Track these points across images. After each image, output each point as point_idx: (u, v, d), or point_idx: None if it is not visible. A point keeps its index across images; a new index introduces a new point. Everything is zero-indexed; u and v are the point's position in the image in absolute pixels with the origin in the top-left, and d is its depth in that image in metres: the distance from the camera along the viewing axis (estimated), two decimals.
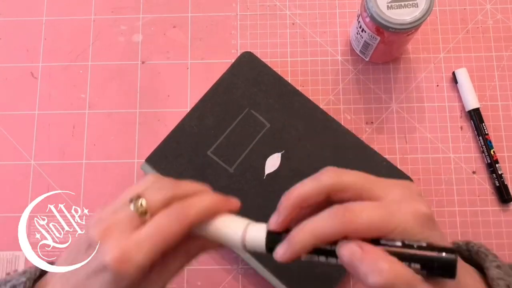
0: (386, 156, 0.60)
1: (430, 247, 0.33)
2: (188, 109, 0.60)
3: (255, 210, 0.57)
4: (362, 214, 0.34)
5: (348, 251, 0.33)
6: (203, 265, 0.58)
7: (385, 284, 0.32)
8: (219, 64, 0.64)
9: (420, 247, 0.33)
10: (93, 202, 0.60)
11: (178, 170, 0.58)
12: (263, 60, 0.61)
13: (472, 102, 0.61)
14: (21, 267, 0.58)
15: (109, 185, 0.61)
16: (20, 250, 0.59)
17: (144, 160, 0.59)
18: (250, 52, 0.61)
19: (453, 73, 0.62)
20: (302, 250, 0.35)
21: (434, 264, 0.33)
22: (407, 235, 0.34)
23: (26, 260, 0.58)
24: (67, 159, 0.61)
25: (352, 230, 0.34)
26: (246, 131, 0.59)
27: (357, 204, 0.35)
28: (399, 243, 0.34)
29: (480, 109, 0.61)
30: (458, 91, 0.62)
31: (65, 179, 0.61)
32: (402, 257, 0.33)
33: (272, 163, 0.58)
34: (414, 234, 0.34)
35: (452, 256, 0.33)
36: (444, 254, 0.33)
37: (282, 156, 0.58)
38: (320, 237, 0.34)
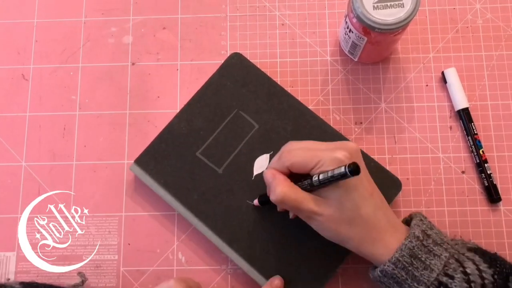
0: (375, 156, 0.60)
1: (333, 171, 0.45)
2: (178, 110, 0.61)
3: (243, 211, 0.57)
4: (292, 157, 0.49)
5: (266, 175, 0.51)
6: (192, 265, 0.59)
7: (276, 200, 0.48)
8: (209, 65, 0.64)
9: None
10: (83, 203, 0.60)
11: (167, 171, 0.59)
12: (253, 61, 0.62)
13: (461, 102, 0.61)
14: (12, 268, 0.59)
15: (99, 187, 0.61)
16: (11, 251, 0.59)
17: (133, 161, 0.59)
18: (239, 53, 0.61)
19: (442, 73, 0.62)
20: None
21: (329, 176, 0.45)
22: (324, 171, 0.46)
23: (17, 260, 0.59)
24: (58, 160, 0.62)
25: (287, 167, 0.49)
26: (234, 132, 0.59)
27: (292, 150, 0.50)
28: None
29: (469, 108, 0.61)
30: (447, 91, 0.62)
31: (56, 180, 0.61)
32: (310, 184, 0.48)
33: (261, 164, 0.58)
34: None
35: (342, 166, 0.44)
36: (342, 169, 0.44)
37: (270, 157, 0.59)
38: (276, 171, 0.50)
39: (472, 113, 0.61)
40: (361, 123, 0.62)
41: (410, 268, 0.46)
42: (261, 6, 0.66)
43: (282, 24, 0.65)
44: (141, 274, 0.59)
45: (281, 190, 0.48)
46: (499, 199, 0.59)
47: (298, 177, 0.50)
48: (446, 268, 0.46)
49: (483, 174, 0.59)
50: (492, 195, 0.59)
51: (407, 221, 0.53)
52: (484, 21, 0.64)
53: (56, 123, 0.63)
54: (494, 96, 0.62)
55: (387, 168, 0.59)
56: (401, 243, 0.47)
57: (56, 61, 0.65)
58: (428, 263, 0.46)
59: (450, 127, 0.61)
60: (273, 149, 0.59)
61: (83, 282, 0.54)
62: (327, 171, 0.46)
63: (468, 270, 0.46)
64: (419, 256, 0.46)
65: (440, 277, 0.46)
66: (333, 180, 0.45)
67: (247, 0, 0.66)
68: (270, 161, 0.58)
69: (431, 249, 0.47)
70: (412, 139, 0.61)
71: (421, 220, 0.50)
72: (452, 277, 0.46)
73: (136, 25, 0.66)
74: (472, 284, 0.45)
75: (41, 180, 0.61)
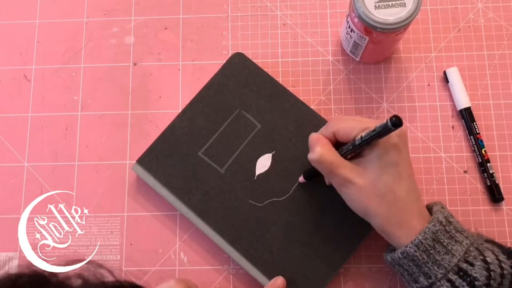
0: None
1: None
2: (180, 110, 0.61)
3: (245, 211, 0.57)
4: (340, 123, 0.50)
5: (311, 137, 0.51)
6: (194, 265, 0.59)
7: (313, 159, 0.49)
8: (211, 65, 0.64)
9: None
10: (85, 203, 0.60)
11: (169, 171, 0.59)
12: (254, 61, 0.62)
13: (463, 101, 0.61)
14: (14, 268, 0.59)
15: (101, 187, 0.61)
16: (14, 251, 0.59)
17: (135, 161, 0.60)
18: (241, 53, 0.62)
19: (444, 72, 0.62)
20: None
21: (372, 132, 0.45)
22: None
23: (20, 261, 0.59)
24: (60, 161, 0.62)
25: (333, 132, 0.50)
26: (237, 132, 0.59)
27: (341, 118, 0.51)
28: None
29: (472, 108, 0.61)
30: (449, 90, 0.62)
31: (58, 181, 0.61)
32: (352, 145, 0.48)
33: (263, 163, 0.58)
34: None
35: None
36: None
37: (272, 156, 0.59)
38: (321, 135, 0.51)
39: (474, 112, 0.61)
40: None
41: (432, 252, 0.46)
42: (263, 6, 0.66)
43: (284, 24, 0.65)
44: (143, 274, 0.59)
45: (319, 150, 0.48)
46: (501, 199, 0.59)
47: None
48: (467, 255, 0.46)
49: (485, 174, 0.59)
50: (494, 194, 0.59)
51: (427, 210, 0.52)
52: (486, 20, 0.64)
53: (58, 123, 0.63)
54: (496, 95, 0.62)
55: None
56: (424, 227, 0.47)
57: (58, 62, 0.65)
58: (450, 248, 0.46)
59: (452, 127, 0.61)
60: (275, 148, 0.59)
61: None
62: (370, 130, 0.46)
63: (488, 259, 0.46)
64: (442, 240, 0.46)
65: (460, 263, 0.46)
66: (376, 135, 0.45)
67: (248, 0, 0.66)
68: (271, 161, 0.58)
69: (453, 235, 0.47)
70: (414, 139, 0.61)
71: (442, 207, 0.50)
72: (472, 264, 0.46)
73: (138, 26, 0.66)
74: (492, 273, 0.45)
75: (43, 181, 0.61)
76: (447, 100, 0.62)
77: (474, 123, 0.60)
